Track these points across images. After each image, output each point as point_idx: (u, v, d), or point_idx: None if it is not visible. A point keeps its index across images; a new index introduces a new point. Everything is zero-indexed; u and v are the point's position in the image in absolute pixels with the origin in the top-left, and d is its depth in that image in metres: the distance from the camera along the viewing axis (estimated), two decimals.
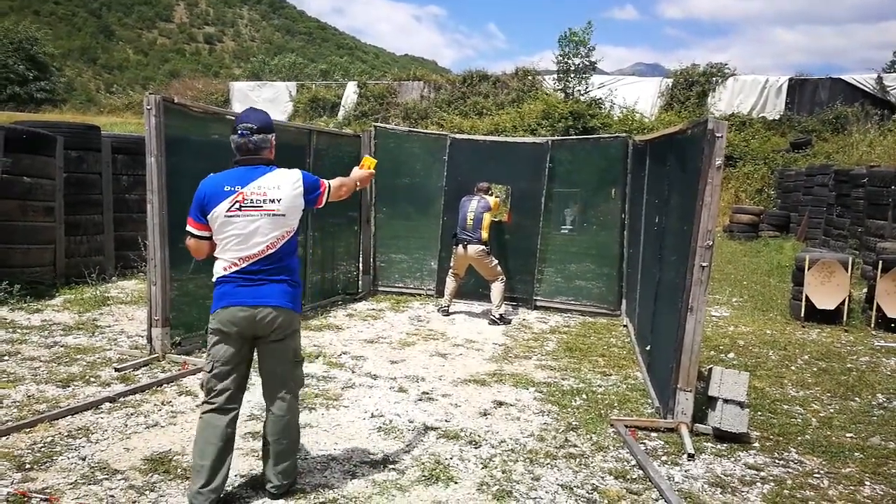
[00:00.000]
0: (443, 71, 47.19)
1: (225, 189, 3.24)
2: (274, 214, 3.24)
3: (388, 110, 28.19)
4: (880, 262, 7.97)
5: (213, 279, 3.33)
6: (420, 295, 8.97)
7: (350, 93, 29.43)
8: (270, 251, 3.26)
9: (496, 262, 7.88)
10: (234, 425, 3.37)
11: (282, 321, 3.30)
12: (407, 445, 4.20)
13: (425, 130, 15.11)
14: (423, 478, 3.75)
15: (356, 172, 3.80)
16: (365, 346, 6.48)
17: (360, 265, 9.14)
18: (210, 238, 3.33)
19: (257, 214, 3.22)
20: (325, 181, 3.50)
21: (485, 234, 7.66)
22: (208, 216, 3.26)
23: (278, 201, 3.25)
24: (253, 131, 3.29)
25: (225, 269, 3.27)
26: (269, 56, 51.98)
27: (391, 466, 3.88)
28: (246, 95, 30.06)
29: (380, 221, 9.17)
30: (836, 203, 13.64)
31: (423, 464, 3.92)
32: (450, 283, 8.13)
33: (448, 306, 8.15)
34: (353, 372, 5.65)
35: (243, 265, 3.25)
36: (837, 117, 21.83)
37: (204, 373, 3.37)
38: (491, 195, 7.98)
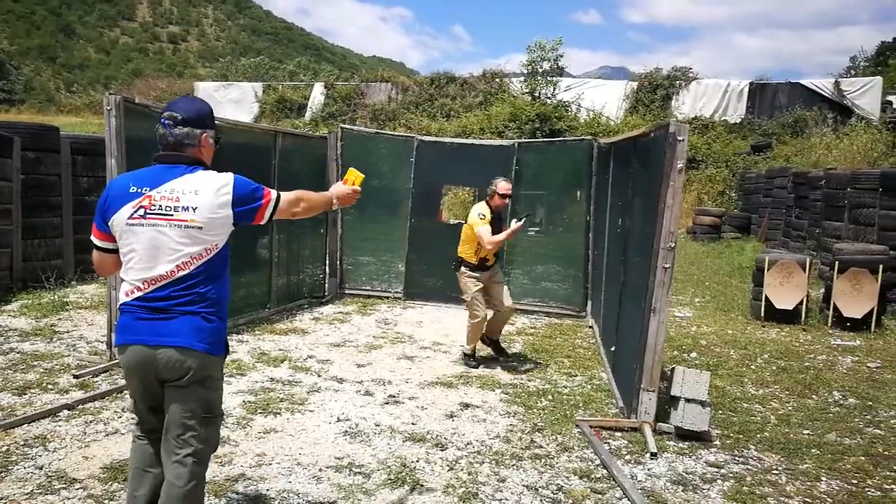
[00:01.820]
0: (410, 72, 47.18)
1: (130, 190, 2.59)
2: (186, 226, 2.54)
3: (356, 112, 28.05)
4: (837, 262, 8.19)
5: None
6: (387, 298, 8.94)
7: (317, 94, 29.23)
8: (181, 273, 2.56)
9: (470, 288, 6.05)
10: None
11: (190, 367, 2.56)
12: (373, 449, 4.18)
13: (393, 132, 15.08)
14: (389, 481, 3.74)
15: (337, 189, 3.04)
16: (331, 350, 6.44)
17: (327, 268, 9.09)
18: (116, 251, 2.67)
19: (164, 224, 2.55)
20: (273, 192, 2.74)
21: (460, 249, 6.16)
22: (109, 223, 2.62)
23: (193, 210, 2.55)
24: (176, 122, 2.66)
25: (126, 295, 2.61)
26: (235, 56, 51.41)
27: (357, 470, 3.86)
28: (211, 96, 29.62)
29: (347, 224, 9.12)
30: (795, 205, 13.97)
31: (389, 467, 3.92)
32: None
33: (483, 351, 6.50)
34: (319, 376, 5.61)
35: (146, 290, 2.57)
36: (796, 121, 22.35)
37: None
38: (488, 197, 6.15)
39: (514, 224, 5.95)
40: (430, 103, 27.29)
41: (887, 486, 3.97)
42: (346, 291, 9.10)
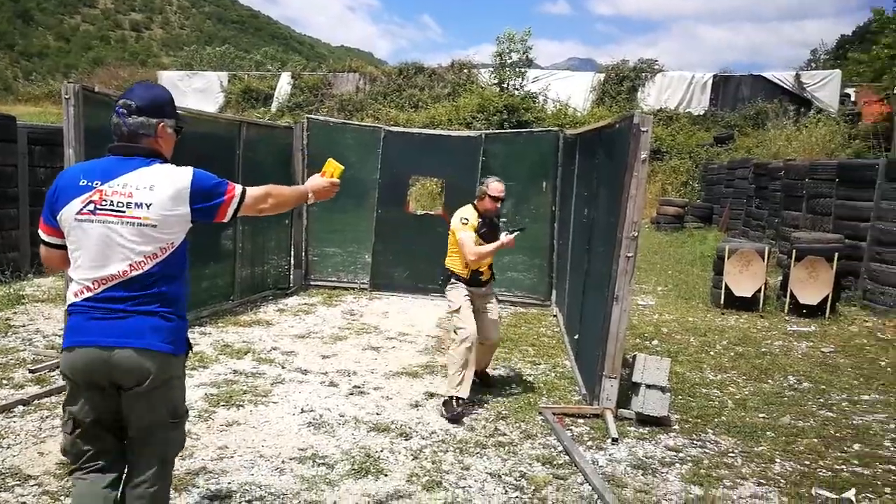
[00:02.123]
0: (378, 62, 46.84)
1: (80, 183, 2.40)
2: (140, 224, 2.36)
3: (323, 102, 27.80)
4: (794, 251, 8.39)
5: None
6: (354, 289, 8.91)
7: (284, 84, 28.88)
8: (134, 273, 2.38)
9: (458, 297, 4.97)
10: (119, 486, 2.52)
11: (150, 369, 2.38)
12: (337, 440, 4.19)
13: (360, 123, 15.00)
14: (353, 471, 3.75)
15: (313, 182, 2.86)
16: (296, 342, 6.40)
17: (292, 259, 9.03)
18: (64, 247, 2.47)
19: (115, 221, 2.36)
20: (237, 188, 2.54)
21: (449, 261, 5.11)
22: (57, 217, 2.43)
23: (147, 206, 2.36)
24: (130, 110, 2.46)
25: (76, 295, 2.42)
26: (200, 45, 50.47)
27: (320, 461, 3.86)
28: (175, 85, 29.06)
29: (312, 214, 9.06)
30: (756, 195, 14.26)
31: (352, 457, 3.92)
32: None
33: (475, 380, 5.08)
34: (284, 367, 5.58)
35: (97, 290, 2.39)
36: (758, 113, 22.75)
37: (63, 433, 2.56)
38: (477, 199, 5.14)
39: (505, 237, 4.99)
40: (399, 94, 27.17)
41: (838, 467, 4.10)
42: (312, 283, 9.05)
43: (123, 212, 2.37)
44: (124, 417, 2.47)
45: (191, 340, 2.60)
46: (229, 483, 3.55)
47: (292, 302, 8.22)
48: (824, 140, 16.61)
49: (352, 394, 5.04)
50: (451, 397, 4.68)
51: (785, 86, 23.80)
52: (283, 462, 3.83)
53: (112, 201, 2.37)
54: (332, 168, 2.88)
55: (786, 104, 22.51)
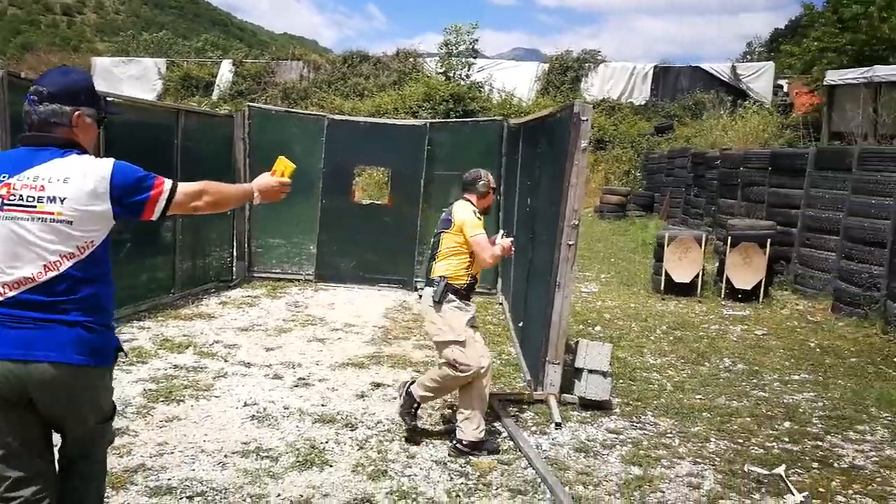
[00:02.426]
0: (323, 51, 46.18)
1: None
2: (53, 220, 2.13)
3: (266, 90, 27.29)
4: (729, 237, 8.67)
5: None
6: (299, 280, 8.81)
7: (225, 71, 28.21)
8: (50, 275, 2.14)
9: (460, 322, 3.99)
10: None
11: (70, 385, 2.18)
12: (281, 432, 4.14)
13: (303, 111, 14.78)
14: (298, 463, 3.72)
15: (261, 181, 2.60)
16: (239, 334, 6.30)
17: (235, 251, 8.86)
18: None
19: (25, 218, 2.14)
20: (167, 183, 2.29)
21: (442, 268, 4.08)
22: None
23: (61, 201, 2.13)
24: (42, 98, 2.23)
25: None
26: (137, 31, 48.79)
27: (264, 454, 3.82)
28: (110, 72, 28.08)
29: (255, 205, 8.88)
30: (694, 184, 14.67)
31: (297, 450, 3.89)
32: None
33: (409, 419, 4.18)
34: (226, 361, 5.49)
35: (10, 295, 2.14)
36: (696, 103, 23.36)
37: None
38: (476, 195, 4.27)
39: (506, 240, 4.27)
40: (343, 82, 26.89)
41: (769, 444, 4.28)
42: (256, 274, 8.90)
43: (34, 207, 2.13)
44: (52, 428, 2.31)
45: (126, 338, 2.48)
46: (169, 479, 3.48)
47: (235, 294, 8.08)
48: (758, 130, 17.18)
49: (296, 386, 5.00)
50: (467, 444, 3.90)
51: (722, 77, 24.50)
52: (225, 456, 3.77)
53: (21, 195, 2.14)
54: (283, 166, 2.64)
55: (722, 95, 23.18)
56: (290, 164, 2.66)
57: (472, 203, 4.22)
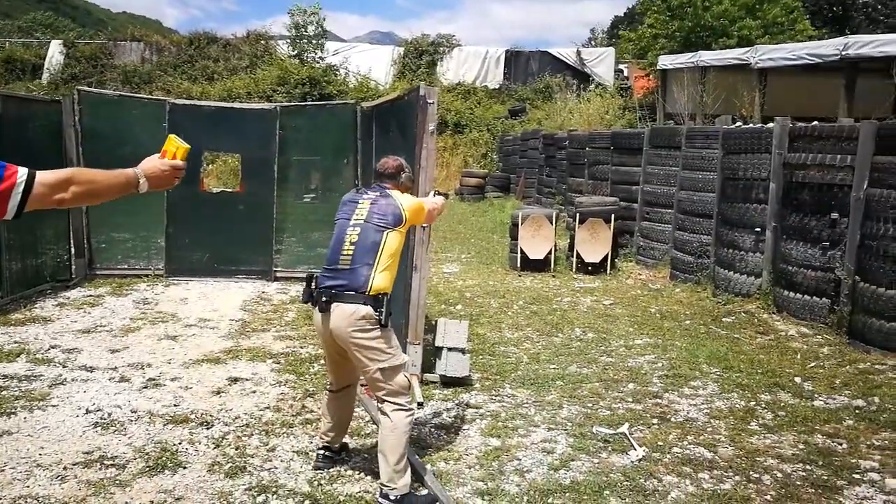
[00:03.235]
0: (168, 31, 43.32)
1: None
2: None
3: (104, 73, 25.26)
4: (578, 214, 9.16)
5: None
6: (147, 276, 8.28)
7: (55, 53, 25.76)
8: None
9: (395, 355, 3.35)
10: None
11: None
12: (129, 438, 3.90)
13: (142, 95, 13.84)
14: (147, 469, 3.53)
15: (147, 165, 2.15)
16: (79, 337, 5.84)
17: (73, 248, 8.18)
18: None
19: None
20: (21, 172, 1.85)
21: (380, 279, 3.31)
22: None
23: None
24: None
25: None
26: None
27: (109, 462, 3.58)
28: None
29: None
30: (546, 164, 15.34)
31: (147, 454, 3.68)
32: (323, 409, 3.71)
33: (329, 447, 3.67)
34: (65, 367, 5.07)
35: None
36: (546, 87, 24.35)
37: None
38: (401, 188, 3.63)
39: (439, 197, 4.02)
40: (191, 65, 25.44)
41: (615, 406, 4.59)
42: (98, 272, 8.27)
43: None
44: None
45: None
46: (0, 499, 3.18)
47: (75, 294, 7.47)
48: (601, 112, 18.23)
49: (146, 387, 4.72)
50: (403, 495, 3.21)
51: (568, 62, 25.69)
52: (64, 469, 3.50)
53: None
54: (174, 147, 2.19)
55: (569, 79, 24.33)
56: (182, 145, 2.21)
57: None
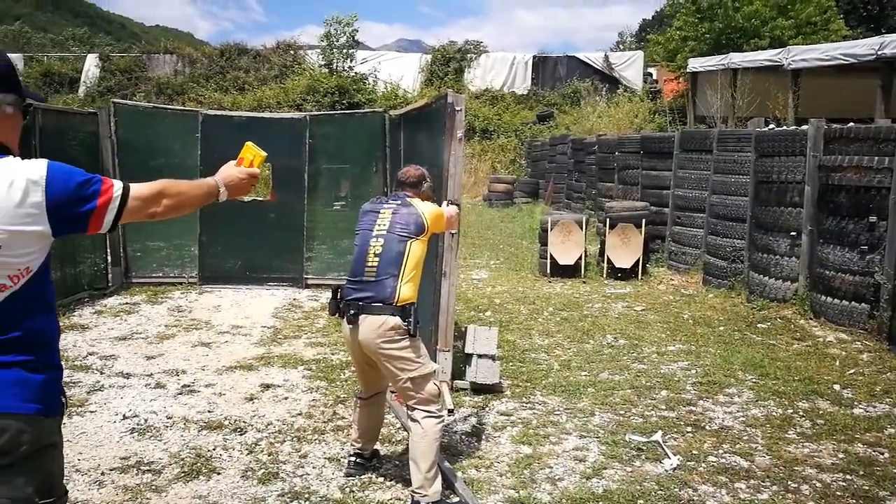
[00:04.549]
0: (200, 43, 44.14)
1: None
2: None
3: (138, 85, 25.84)
4: (608, 219, 9.09)
5: None
6: (181, 284, 8.42)
7: (91, 66, 26.45)
8: None
9: (425, 364, 3.36)
10: None
11: (10, 439, 1.70)
12: (164, 443, 3.96)
13: (174, 106, 14.12)
14: (183, 474, 3.57)
15: (225, 172, 2.14)
16: (116, 344, 5.96)
17: (109, 256, 8.35)
18: None
19: None
20: (116, 186, 1.83)
21: (406, 290, 3.32)
22: None
23: None
24: None
25: None
26: None
27: (146, 468, 3.64)
28: None
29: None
30: (574, 169, 15.26)
31: (182, 460, 3.74)
32: (354, 416, 3.72)
33: (360, 454, 3.67)
34: (102, 373, 5.18)
35: None
36: (574, 92, 24.27)
37: None
38: (422, 196, 3.61)
39: (453, 207, 3.97)
40: (222, 76, 25.90)
41: (648, 413, 4.53)
42: (134, 280, 8.43)
43: None
44: None
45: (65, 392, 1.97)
46: None
47: (112, 302, 7.63)
48: (630, 116, 18.08)
49: (181, 394, 4.79)
50: (435, 502, 3.22)
51: (596, 66, 25.58)
52: (102, 474, 3.56)
53: None
54: (251, 155, 2.19)
55: (597, 83, 24.19)
56: (259, 152, 2.20)
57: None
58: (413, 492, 3.23)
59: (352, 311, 3.29)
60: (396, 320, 3.24)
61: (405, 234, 3.35)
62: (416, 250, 3.35)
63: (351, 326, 3.31)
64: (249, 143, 2.24)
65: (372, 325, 3.24)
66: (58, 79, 26.31)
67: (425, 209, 3.47)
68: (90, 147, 7.96)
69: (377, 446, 3.79)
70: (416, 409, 3.30)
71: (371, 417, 3.66)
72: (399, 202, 3.49)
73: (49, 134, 7.17)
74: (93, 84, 25.87)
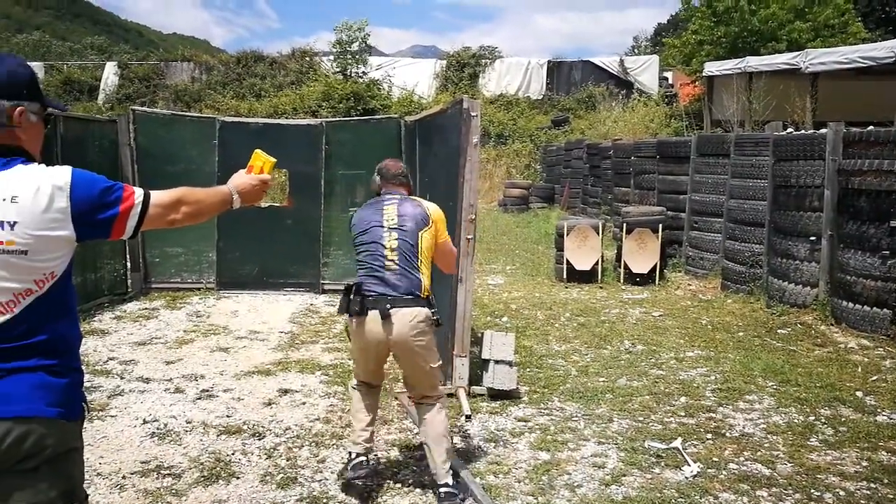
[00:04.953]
0: (216, 51, 44.67)
1: None
2: (3, 251, 1.71)
3: (156, 93, 26.15)
4: (624, 224, 9.05)
5: None
6: (199, 289, 8.48)
7: (110, 74, 26.82)
8: (4, 318, 1.73)
9: (437, 356, 3.51)
10: None
11: (39, 443, 1.73)
12: (184, 448, 3.99)
13: (192, 114, 14.26)
14: (202, 479, 3.59)
15: (237, 180, 2.19)
16: (136, 349, 6.01)
17: (128, 262, 8.44)
18: None
19: None
20: (138, 193, 1.89)
21: (426, 280, 3.45)
22: None
23: (11, 227, 1.70)
24: None
25: None
26: (11, 32, 45.63)
27: (166, 472, 3.66)
28: None
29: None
30: (590, 174, 15.22)
31: (201, 464, 3.76)
32: (359, 406, 3.66)
33: (364, 454, 3.52)
34: (122, 378, 5.22)
35: None
36: (589, 96, 24.23)
37: None
38: (409, 189, 3.79)
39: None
40: (239, 83, 26.16)
41: (667, 420, 4.49)
42: (153, 285, 8.51)
43: None
44: None
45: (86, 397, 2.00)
46: None
47: (131, 307, 7.70)
48: (646, 120, 18.01)
49: (199, 398, 4.82)
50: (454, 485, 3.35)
51: (611, 70, 25.52)
52: (123, 478, 3.59)
53: None
54: (261, 161, 2.25)
55: (612, 88, 24.13)
56: (269, 159, 2.26)
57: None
58: (437, 473, 3.32)
59: (387, 305, 3.27)
60: (427, 311, 3.32)
61: (414, 226, 3.43)
62: (427, 240, 3.44)
63: (382, 321, 3.27)
64: (258, 151, 2.30)
65: (406, 318, 3.26)
66: (77, 86, 26.69)
67: (430, 207, 3.56)
68: (110, 154, 8.06)
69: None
70: (431, 396, 3.46)
71: (376, 402, 3.74)
72: (399, 197, 3.59)
73: (70, 142, 7.26)
74: (112, 92, 26.21)
